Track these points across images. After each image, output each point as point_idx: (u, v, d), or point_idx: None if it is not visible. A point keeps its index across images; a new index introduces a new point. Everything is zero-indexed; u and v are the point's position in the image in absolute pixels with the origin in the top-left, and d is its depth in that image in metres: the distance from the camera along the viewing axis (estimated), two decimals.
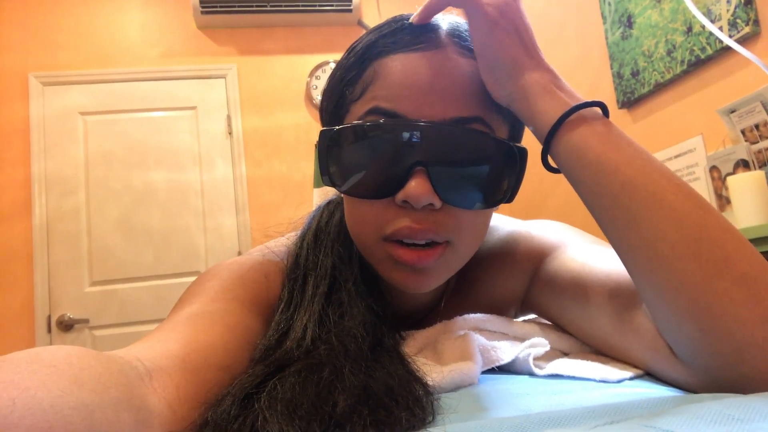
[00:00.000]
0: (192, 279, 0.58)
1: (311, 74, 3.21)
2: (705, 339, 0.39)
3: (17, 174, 2.86)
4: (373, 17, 3.26)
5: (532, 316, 0.69)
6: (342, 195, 0.56)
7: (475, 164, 0.52)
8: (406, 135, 0.50)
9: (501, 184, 0.53)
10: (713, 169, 1.72)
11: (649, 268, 0.42)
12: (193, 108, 3.11)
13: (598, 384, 0.47)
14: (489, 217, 0.58)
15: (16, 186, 2.85)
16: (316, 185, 2.25)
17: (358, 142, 0.53)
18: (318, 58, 3.23)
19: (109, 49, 3.06)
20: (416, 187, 0.49)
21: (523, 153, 0.54)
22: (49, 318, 2.79)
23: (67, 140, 2.94)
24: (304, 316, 0.51)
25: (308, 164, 3.01)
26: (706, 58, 1.83)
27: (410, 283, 0.54)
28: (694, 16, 1.59)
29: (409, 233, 0.51)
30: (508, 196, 0.54)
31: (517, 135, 0.58)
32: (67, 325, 2.78)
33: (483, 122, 0.52)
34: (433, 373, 0.49)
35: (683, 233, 0.40)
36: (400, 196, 0.50)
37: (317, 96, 3.18)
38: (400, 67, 0.51)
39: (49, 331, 2.77)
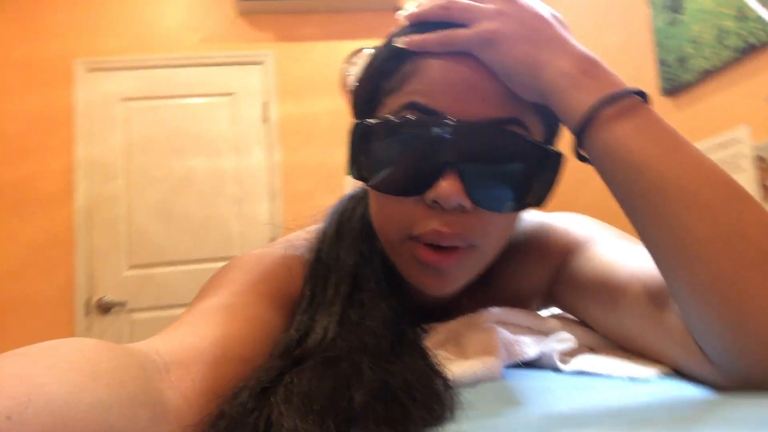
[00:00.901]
0: None
1: (347, 60, 3.21)
2: (735, 337, 0.38)
3: (61, 160, 2.93)
4: (409, 2, 3.22)
5: (555, 310, 0.67)
6: (369, 189, 0.55)
7: (508, 166, 0.51)
8: (440, 133, 0.48)
9: (533, 187, 0.52)
10: (760, 159, 1.65)
11: (681, 266, 0.40)
12: (231, 94, 3.14)
13: (625, 382, 0.46)
14: (515, 220, 0.56)
15: (59, 171, 2.93)
16: (349, 172, 2.26)
17: (391, 136, 0.51)
18: (354, 44, 3.22)
19: (151, 35, 3.11)
20: (448, 187, 0.48)
21: (557, 157, 0.52)
22: (88, 301, 2.87)
23: (109, 126, 3.01)
24: (325, 317, 0.50)
25: (342, 151, 3.01)
26: (757, 45, 1.75)
27: (432, 285, 0.53)
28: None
29: (436, 237, 0.50)
30: (540, 200, 0.53)
31: (553, 136, 0.56)
32: (105, 308, 2.86)
33: (519, 123, 0.50)
34: (455, 367, 0.48)
35: (717, 230, 0.39)
36: (431, 195, 0.49)
37: (351, 82, 3.17)
38: (439, 64, 0.50)
39: (88, 314, 2.85)
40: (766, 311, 0.36)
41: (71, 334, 2.72)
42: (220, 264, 0.58)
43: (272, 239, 3.11)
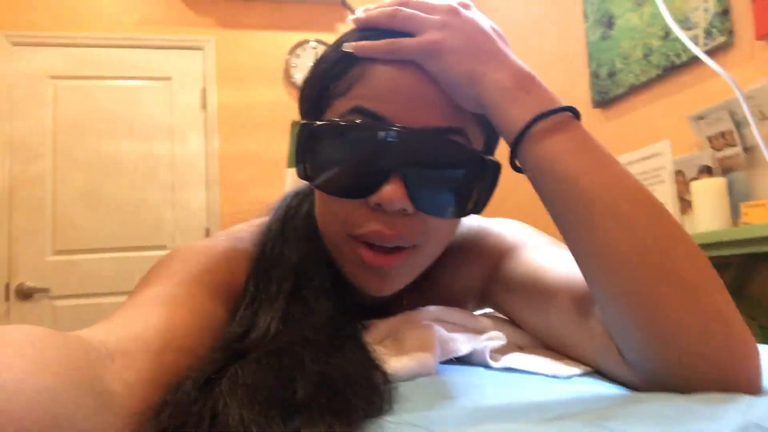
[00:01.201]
0: (157, 253, 0.58)
1: (290, 52, 3.18)
2: (650, 344, 0.41)
3: None
4: None
5: (488, 310, 0.70)
6: (312, 189, 0.56)
7: (450, 174, 0.53)
8: (386, 138, 0.50)
9: (472, 194, 0.54)
10: (678, 173, 1.77)
11: (601, 275, 0.43)
12: (168, 79, 3.05)
13: (549, 379, 0.49)
14: (456, 224, 0.59)
15: None
16: (290, 165, 2.24)
17: (337, 139, 0.53)
18: (298, 36, 3.19)
19: (84, 12, 2.97)
20: (391, 191, 0.49)
21: (495, 167, 0.55)
22: (7, 286, 2.73)
23: (36, 104, 2.86)
24: (268, 313, 0.51)
25: (282, 143, 2.97)
26: (680, 64, 1.87)
27: (373, 286, 0.55)
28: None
29: (378, 237, 0.52)
30: (479, 206, 0.55)
31: (493, 145, 0.59)
32: (26, 294, 2.73)
33: (462, 133, 0.53)
34: (393, 361, 0.50)
35: (634, 242, 0.42)
36: (375, 199, 0.50)
37: (296, 75, 3.15)
38: (385, 71, 0.52)
39: (7, 299, 2.72)
40: (677, 321, 0.40)
41: None
42: (150, 252, 0.57)
43: (207, 229, 3.04)
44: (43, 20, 2.91)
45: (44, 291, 2.76)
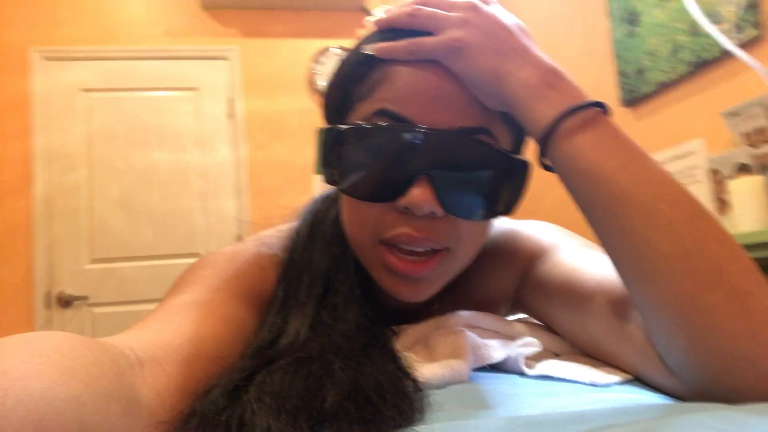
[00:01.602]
0: (191, 260, 0.58)
1: (314, 59, 3.19)
2: (694, 352, 0.39)
3: (18, 149, 2.85)
4: (376, 2, 3.23)
5: (522, 315, 0.69)
6: (340, 193, 0.56)
7: (478, 175, 0.52)
8: (412, 140, 0.49)
9: (502, 195, 0.53)
10: (714, 172, 1.72)
11: (641, 280, 0.42)
12: (196, 89, 3.10)
13: (587, 387, 0.47)
14: (488, 226, 0.58)
15: (17, 161, 2.84)
16: (317, 171, 2.24)
17: (362, 142, 0.52)
18: (320, 43, 3.21)
19: (112, 26, 3.04)
20: (419, 194, 0.49)
21: (525, 166, 0.53)
22: (48, 294, 2.80)
23: (69, 116, 2.93)
24: (298, 319, 0.50)
25: (310, 149, 3.00)
26: (710, 60, 1.82)
27: (403, 293, 0.54)
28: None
29: (407, 240, 0.51)
30: (509, 207, 0.54)
31: (521, 144, 0.57)
32: (66, 302, 2.80)
33: (488, 133, 0.51)
34: (424, 369, 0.49)
35: (676, 245, 0.40)
36: (403, 202, 0.49)
37: (319, 81, 3.16)
38: (409, 72, 0.51)
39: (48, 307, 2.78)
40: (724, 329, 0.38)
41: (30, 328, 2.65)
42: (184, 260, 0.57)
43: (239, 235, 3.08)
44: (73, 35, 2.99)
45: (83, 299, 2.82)
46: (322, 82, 3.13)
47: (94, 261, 2.87)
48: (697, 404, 0.38)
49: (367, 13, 2.90)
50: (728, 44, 1.42)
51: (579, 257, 0.58)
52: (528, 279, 0.63)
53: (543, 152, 0.48)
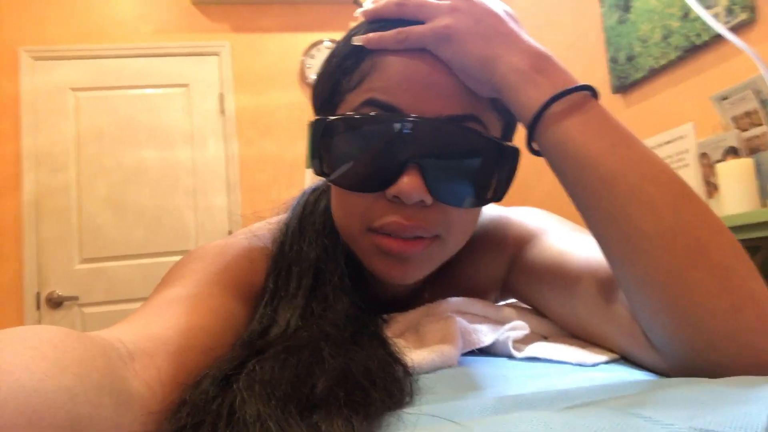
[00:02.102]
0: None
1: (305, 53, 3.18)
2: (678, 329, 0.40)
3: (7, 149, 2.83)
4: None
5: (512, 300, 0.69)
6: (329, 184, 0.56)
7: (467, 162, 0.52)
8: (401, 129, 0.49)
9: (492, 182, 0.53)
10: (703, 155, 1.73)
11: (627, 260, 0.42)
12: (186, 85, 3.08)
13: (574, 367, 0.48)
14: (478, 213, 0.58)
15: (5, 161, 2.82)
16: (308, 165, 2.24)
17: (351, 133, 0.52)
18: (313, 37, 3.20)
19: (101, 24, 3.02)
20: (409, 183, 0.49)
21: (514, 153, 0.53)
22: (38, 295, 2.78)
23: (58, 116, 2.91)
24: (288, 310, 0.50)
25: (301, 144, 2.99)
26: (701, 45, 1.82)
27: (394, 273, 0.54)
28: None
29: (397, 228, 0.51)
30: (499, 194, 0.54)
31: (511, 131, 0.57)
32: (56, 302, 2.78)
33: (477, 120, 0.52)
34: (414, 354, 0.49)
35: (660, 225, 0.40)
36: (392, 191, 0.50)
37: (311, 75, 3.15)
38: (398, 61, 0.51)
39: (38, 307, 2.77)
40: (706, 305, 0.38)
41: None
42: (175, 258, 0.57)
43: (230, 231, 3.07)
44: (62, 34, 2.96)
45: (73, 299, 2.81)
46: (314, 76, 3.13)
47: (84, 261, 2.86)
48: (681, 379, 0.39)
49: (358, 5, 2.90)
50: (719, 27, 1.42)
51: (567, 241, 0.58)
52: (517, 264, 0.63)
53: (532, 137, 0.48)
